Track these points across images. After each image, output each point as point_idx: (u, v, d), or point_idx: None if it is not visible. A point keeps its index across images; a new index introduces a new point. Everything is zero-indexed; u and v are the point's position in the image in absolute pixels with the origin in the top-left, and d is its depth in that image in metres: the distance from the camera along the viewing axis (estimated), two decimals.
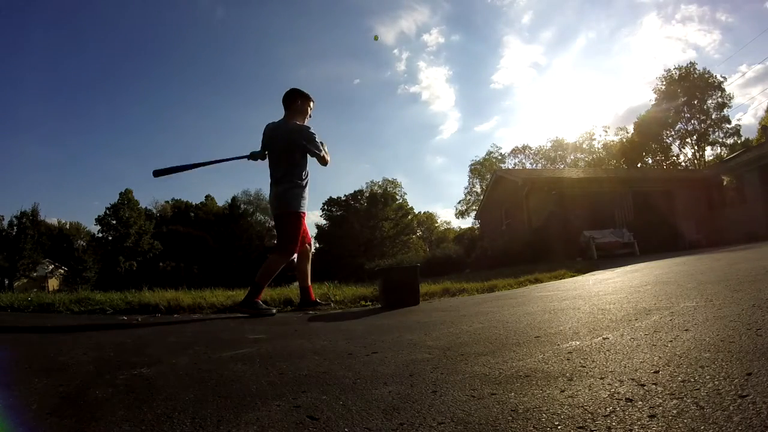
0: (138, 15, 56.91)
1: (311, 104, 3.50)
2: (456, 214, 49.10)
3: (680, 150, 35.20)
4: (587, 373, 1.14)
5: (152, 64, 60.33)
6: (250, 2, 61.16)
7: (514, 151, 43.03)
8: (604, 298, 2.68)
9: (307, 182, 3.35)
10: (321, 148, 3.32)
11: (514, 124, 64.94)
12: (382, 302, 3.48)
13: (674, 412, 0.83)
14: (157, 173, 3.19)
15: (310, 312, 3.26)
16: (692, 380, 0.99)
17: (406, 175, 76.92)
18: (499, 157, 42.71)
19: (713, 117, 33.39)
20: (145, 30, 59.48)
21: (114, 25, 56.28)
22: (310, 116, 3.50)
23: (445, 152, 69.16)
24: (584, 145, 41.83)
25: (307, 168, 3.36)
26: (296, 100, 3.41)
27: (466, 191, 43.45)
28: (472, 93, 66.49)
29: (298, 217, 3.29)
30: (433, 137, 68.87)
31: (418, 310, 3.06)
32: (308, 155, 3.31)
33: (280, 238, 3.31)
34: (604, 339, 1.52)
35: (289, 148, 3.27)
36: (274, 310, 3.24)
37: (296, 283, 3.60)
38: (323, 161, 3.35)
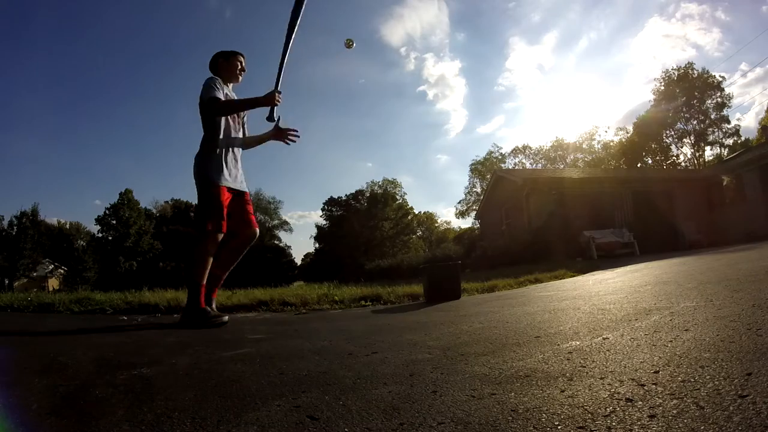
0: (140, 13, 56.96)
1: (240, 59, 2.95)
2: (456, 214, 49.16)
3: (679, 150, 35.25)
4: (587, 373, 1.14)
5: (154, 63, 60.32)
6: (254, 1, 61.20)
7: (515, 151, 43.01)
8: (604, 298, 2.68)
9: (221, 148, 2.76)
10: (209, 92, 2.70)
11: (516, 124, 65.00)
12: (426, 297, 3.77)
13: (674, 412, 0.83)
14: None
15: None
16: (692, 380, 0.99)
17: (408, 174, 76.82)
18: (500, 157, 42.71)
19: (712, 117, 33.39)
20: (147, 28, 59.49)
21: (116, 23, 56.25)
22: (243, 70, 2.96)
23: (448, 152, 69.22)
24: (584, 145, 41.83)
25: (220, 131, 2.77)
26: (217, 62, 2.90)
27: (466, 191, 43.47)
28: (477, 94, 66.56)
29: (215, 188, 2.70)
30: (437, 137, 68.91)
31: (418, 311, 3.06)
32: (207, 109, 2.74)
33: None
34: (604, 339, 1.52)
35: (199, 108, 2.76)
36: (226, 317, 2.67)
37: (297, 283, 3.47)
38: (203, 105, 2.72)
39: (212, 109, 2.73)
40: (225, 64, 2.91)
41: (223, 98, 2.76)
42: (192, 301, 2.58)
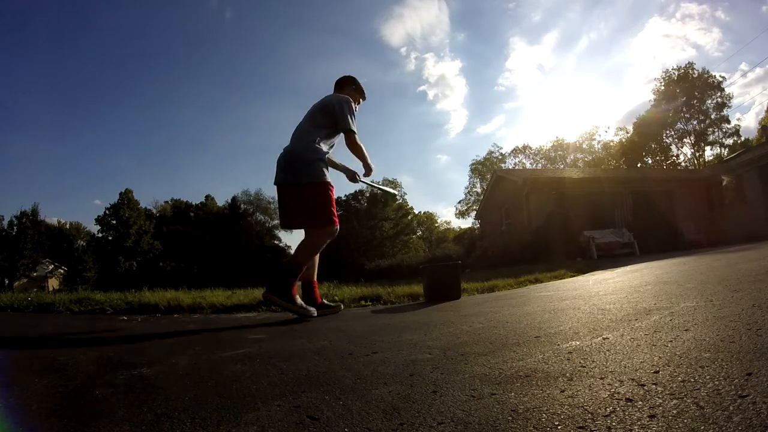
0: (140, 13, 56.90)
1: (361, 101, 3.37)
2: (456, 214, 49.15)
3: (679, 150, 35.27)
4: (587, 373, 1.14)
5: (154, 63, 60.30)
6: (254, 1, 61.16)
7: (515, 151, 43.05)
8: (604, 298, 2.68)
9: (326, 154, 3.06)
10: (350, 118, 2.98)
11: (517, 124, 64.95)
12: (426, 297, 3.77)
13: (674, 412, 0.83)
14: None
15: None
16: (692, 380, 0.99)
17: (408, 174, 76.64)
18: (500, 157, 42.74)
19: (712, 117, 33.40)
20: (147, 28, 59.46)
21: (117, 22, 56.20)
22: (356, 110, 3.18)
23: (448, 152, 69.17)
24: (584, 145, 41.84)
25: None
26: (351, 86, 3.31)
27: (466, 191, 43.52)
28: (477, 94, 66.51)
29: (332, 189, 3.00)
30: (437, 137, 68.84)
31: (418, 311, 3.06)
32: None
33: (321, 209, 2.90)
34: (604, 339, 1.52)
35: (324, 109, 3.03)
36: (314, 312, 2.82)
37: (297, 283, 3.38)
38: (337, 119, 2.98)
39: (347, 139, 3.00)
40: (353, 95, 3.22)
41: (356, 131, 3.02)
42: (287, 278, 2.80)
